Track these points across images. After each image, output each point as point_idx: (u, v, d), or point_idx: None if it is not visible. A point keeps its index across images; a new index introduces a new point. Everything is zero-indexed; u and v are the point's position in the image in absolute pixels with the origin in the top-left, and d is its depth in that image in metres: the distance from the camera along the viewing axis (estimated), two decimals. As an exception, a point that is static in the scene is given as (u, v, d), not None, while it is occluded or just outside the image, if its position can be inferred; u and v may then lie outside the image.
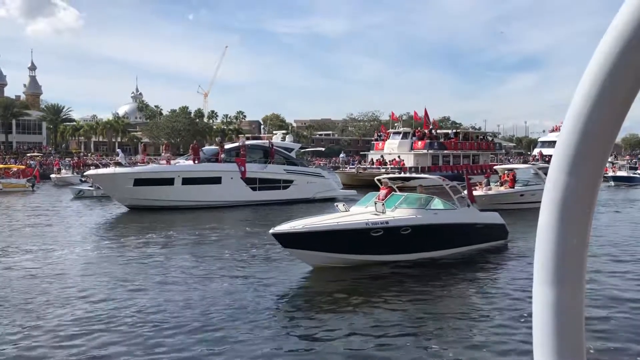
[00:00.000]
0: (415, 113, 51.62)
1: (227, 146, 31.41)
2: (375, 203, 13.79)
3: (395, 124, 51.70)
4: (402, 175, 17.25)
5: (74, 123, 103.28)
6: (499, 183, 27.54)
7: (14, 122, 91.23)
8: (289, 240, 12.41)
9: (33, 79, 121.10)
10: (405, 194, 14.98)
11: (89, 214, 26.45)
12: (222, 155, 29.18)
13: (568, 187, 0.85)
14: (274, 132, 40.88)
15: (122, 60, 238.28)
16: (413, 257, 13.60)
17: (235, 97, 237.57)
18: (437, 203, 14.43)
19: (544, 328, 0.89)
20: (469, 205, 15.82)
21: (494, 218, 16.31)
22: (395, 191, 15.78)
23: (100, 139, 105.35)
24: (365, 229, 12.75)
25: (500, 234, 16.19)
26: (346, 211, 14.08)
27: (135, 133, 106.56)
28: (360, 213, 13.79)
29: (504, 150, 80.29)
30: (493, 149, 53.41)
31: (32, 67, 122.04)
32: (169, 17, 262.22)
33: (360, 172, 44.18)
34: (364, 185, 41.50)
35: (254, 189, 29.70)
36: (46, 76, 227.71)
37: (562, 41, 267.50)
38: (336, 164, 60.67)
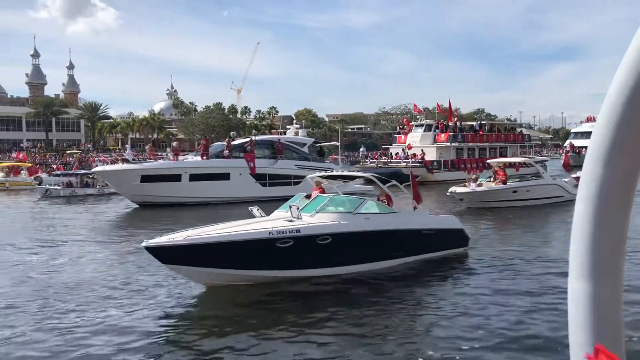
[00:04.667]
0: (438, 105, 50.31)
1: (235, 142, 31.33)
2: (290, 207, 11.87)
3: (418, 116, 50.64)
4: (336, 173, 15.37)
5: (111, 120, 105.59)
6: (491, 178, 25.48)
7: (53, 120, 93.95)
8: (168, 256, 10.43)
9: (71, 78, 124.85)
10: (332, 195, 12.96)
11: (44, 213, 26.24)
12: (227, 152, 29.07)
13: (605, 179, 0.83)
14: (287, 126, 40.60)
15: (157, 58, 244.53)
16: (337, 271, 11.64)
17: (268, 92, 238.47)
18: (370, 206, 12.55)
19: (580, 324, 0.87)
20: (415, 208, 13.67)
21: (449, 222, 14.33)
22: (337, 193, 14.08)
23: (137, 136, 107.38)
24: (268, 239, 10.72)
25: (457, 240, 14.08)
26: (261, 216, 12.38)
27: (170, 129, 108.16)
28: (274, 219, 11.96)
29: (539, 142, 77.83)
30: (522, 140, 51.65)
31: (71, 66, 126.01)
32: (203, 15, 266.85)
33: (380, 167, 43.50)
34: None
35: (263, 184, 29.51)
36: (84, 75, 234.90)
37: (601, 30, 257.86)
38: (356, 158, 60.14)
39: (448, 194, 24.24)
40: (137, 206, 27.60)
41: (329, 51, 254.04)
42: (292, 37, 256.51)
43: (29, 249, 16.37)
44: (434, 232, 13.50)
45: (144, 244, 10.53)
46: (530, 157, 33.68)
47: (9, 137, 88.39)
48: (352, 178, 14.50)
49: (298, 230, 11.06)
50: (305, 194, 13.51)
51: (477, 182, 24.47)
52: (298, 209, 11.61)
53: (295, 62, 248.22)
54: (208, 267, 10.61)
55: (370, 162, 47.02)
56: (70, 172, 38.01)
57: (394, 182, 14.24)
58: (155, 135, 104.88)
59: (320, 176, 14.74)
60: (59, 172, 38.70)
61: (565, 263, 12.67)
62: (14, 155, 62.06)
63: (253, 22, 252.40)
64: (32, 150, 78.43)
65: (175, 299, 10.67)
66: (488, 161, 30.30)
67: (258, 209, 12.64)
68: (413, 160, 42.41)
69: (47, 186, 34.85)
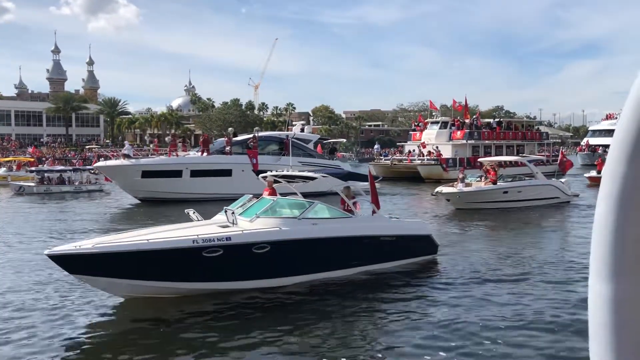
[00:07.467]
0: (454, 102, 49.20)
1: (238, 138, 30.79)
2: (226, 211, 10.72)
3: (434, 113, 49.62)
4: (287, 173, 13.53)
5: (130, 116, 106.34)
6: (482, 178, 23.89)
7: (73, 115, 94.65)
8: (74, 265, 9.32)
9: (91, 74, 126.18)
10: (277, 198, 11.93)
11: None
12: (228, 148, 28.54)
13: (627, 178, 0.81)
14: (294, 122, 40.00)
15: (176, 54, 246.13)
16: (279, 282, 10.49)
17: (286, 88, 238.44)
18: (320, 210, 11.36)
19: (600, 324, 0.84)
20: (373, 212, 12.40)
21: (414, 228, 13.17)
22: (298, 194, 13.05)
23: (155, 131, 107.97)
24: (192, 248, 9.59)
25: (423, 248, 12.83)
26: (198, 220, 11.34)
27: (188, 125, 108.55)
28: (208, 224, 10.87)
29: (558, 140, 76.03)
30: (539, 138, 50.41)
31: (90, 62, 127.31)
32: (222, 11, 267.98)
33: (394, 164, 42.73)
34: (399, 177, 40.21)
35: (267, 181, 28.91)
36: (104, 71, 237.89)
37: (624, 27, 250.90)
38: (371, 156, 59.46)
39: (433, 194, 23.09)
40: (134, 202, 27.31)
41: (349, 48, 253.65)
42: (312, 34, 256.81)
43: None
44: (394, 238, 12.26)
45: (46, 251, 9.48)
46: (524, 156, 32.19)
47: (30, 132, 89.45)
48: (312, 179, 13.12)
49: (229, 238, 9.90)
50: (251, 195, 12.30)
51: (466, 182, 22.91)
52: (233, 213, 10.50)
53: (314, 59, 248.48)
54: (121, 279, 9.46)
55: (385, 159, 46.13)
56: (46, 168, 37.58)
57: (349, 183, 13.02)
58: (172, 131, 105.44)
59: (274, 175, 13.46)
60: (32, 169, 38.08)
61: (549, 273, 11.55)
62: (30, 150, 62.52)
63: (272, 19, 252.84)
64: (52, 145, 79.22)
65: (88, 311, 9.54)
66: (479, 160, 28.63)
67: (194, 212, 11.61)
68: (428, 158, 41.49)
69: (21, 183, 34.05)
